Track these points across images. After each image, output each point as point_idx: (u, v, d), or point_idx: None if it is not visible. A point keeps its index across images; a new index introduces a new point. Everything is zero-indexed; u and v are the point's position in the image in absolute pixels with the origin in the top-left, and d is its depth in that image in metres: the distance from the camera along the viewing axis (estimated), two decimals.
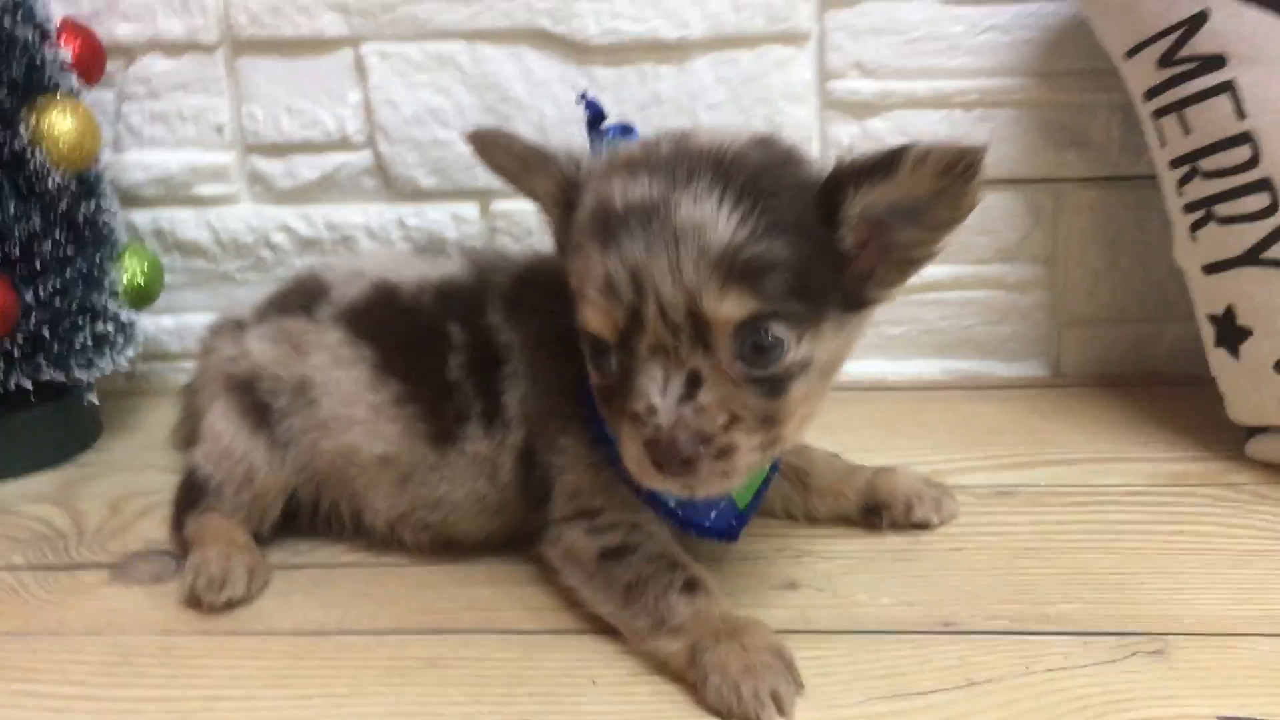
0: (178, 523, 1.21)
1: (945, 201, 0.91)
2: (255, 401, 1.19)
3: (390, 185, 1.63)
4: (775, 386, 0.91)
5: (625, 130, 1.06)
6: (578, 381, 1.04)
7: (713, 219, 0.86)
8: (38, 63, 1.35)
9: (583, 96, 1.08)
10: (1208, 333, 1.33)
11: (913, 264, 0.96)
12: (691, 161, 0.89)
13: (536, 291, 1.12)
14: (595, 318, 0.90)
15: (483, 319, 1.13)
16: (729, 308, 0.86)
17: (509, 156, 0.98)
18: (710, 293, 0.85)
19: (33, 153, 1.33)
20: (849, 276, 0.94)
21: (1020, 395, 1.61)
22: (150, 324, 1.69)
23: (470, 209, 1.63)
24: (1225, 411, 1.36)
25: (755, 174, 0.89)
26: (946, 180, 0.89)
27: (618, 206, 0.89)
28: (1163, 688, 0.91)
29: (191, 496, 1.21)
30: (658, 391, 0.87)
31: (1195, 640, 0.97)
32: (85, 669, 1.00)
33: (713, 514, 1.06)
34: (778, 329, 0.89)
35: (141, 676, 0.99)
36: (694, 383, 0.87)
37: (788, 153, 0.95)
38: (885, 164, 0.89)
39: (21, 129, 1.32)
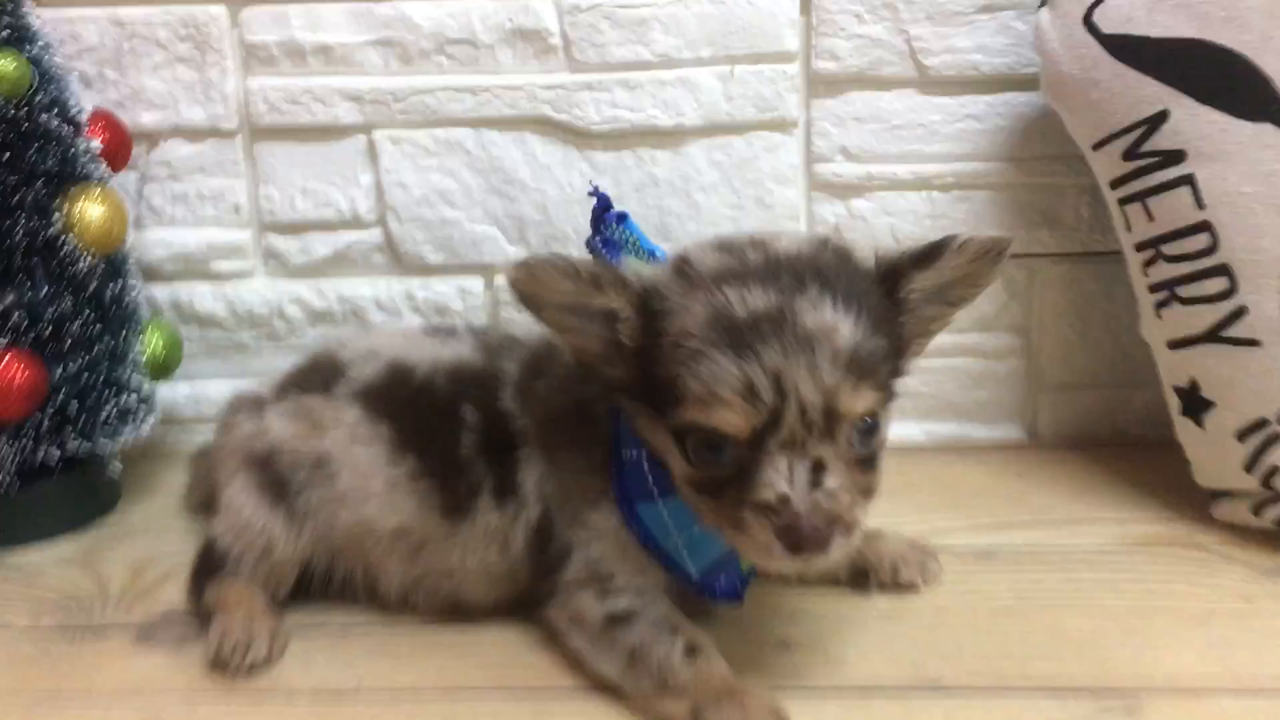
0: (196, 590, 1.24)
1: (969, 281, 1.04)
2: (274, 476, 1.23)
3: (399, 261, 1.68)
4: (872, 462, 0.98)
5: (622, 218, 1.13)
6: (609, 463, 1.11)
7: (834, 324, 0.92)
8: (70, 154, 1.40)
9: (594, 190, 1.15)
10: (1173, 403, 1.39)
11: (930, 336, 1.08)
12: (792, 270, 0.96)
13: (549, 376, 1.17)
14: (732, 419, 0.92)
15: (495, 402, 1.17)
16: (861, 402, 0.93)
17: (574, 277, 0.98)
18: (846, 391, 0.92)
19: (64, 239, 1.38)
20: (901, 361, 1.04)
21: (998, 457, 1.65)
22: (167, 391, 1.72)
23: (475, 283, 1.68)
24: (1191, 475, 1.41)
25: (846, 278, 0.97)
26: (978, 264, 1.02)
27: (741, 315, 0.92)
28: None
29: (210, 565, 1.24)
30: (785, 482, 0.92)
31: (1165, 698, 1.00)
32: None
33: (722, 578, 1.12)
34: (878, 414, 0.97)
35: None
36: (818, 469, 0.92)
37: (847, 251, 1.03)
38: (932, 253, 1.01)
39: (55, 217, 1.37)
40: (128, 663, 1.16)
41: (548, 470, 1.15)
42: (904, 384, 1.65)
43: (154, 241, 1.69)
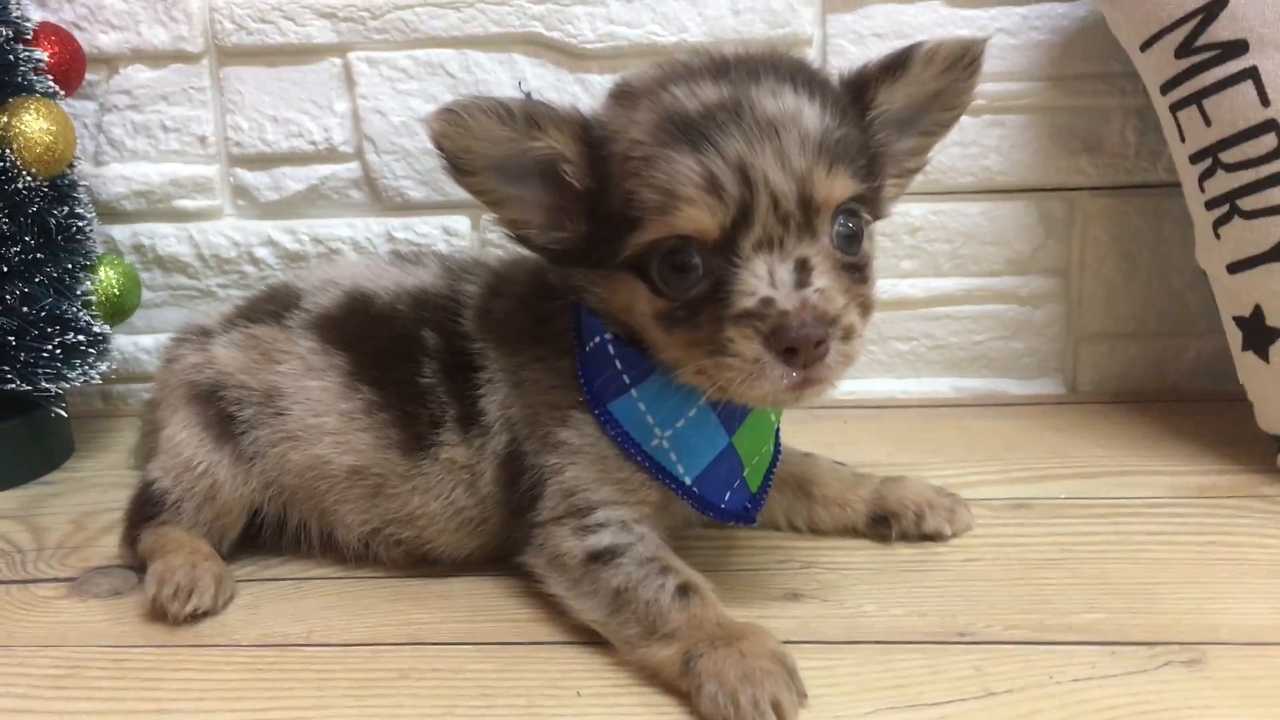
0: (131, 537, 1.14)
1: (944, 102, 0.98)
2: (220, 412, 1.13)
3: (378, 197, 1.58)
4: (862, 273, 0.92)
5: None
6: (577, 372, 1.01)
7: (797, 108, 0.86)
8: (10, 60, 1.30)
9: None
10: (1234, 336, 1.26)
11: (907, 175, 1.03)
12: (743, 65, 0.90)
13: (511, 295, 1.08)
14: (697, 218, 0.85)
15: (456, 326, 1.08)
16: (839, 188, 0.87)
17: (508, 119, 0.90)
18: (820, 174, 0.85)
19: (2, 153, 1.27)
20: (878, 189, 0.97)
21: (1035, 412, 1.54)
22: (128, 343, 1.64)
23: (461, 221, 1.58)
24: (1253, 425, 1.30)
25: (805, 71, 0.92)
26: (953, 74, 0.96)
27: (692, 110, 0.87)
28: (1201, 698, 0.84)
29: (147, 512, 1.14)
30: (766, 284, 0.85)
31: (1233, 650, 0.90)
32: (29, 681, 0.94)
33: (727, 495, 1.01)
34: (861, 214, 0.91)
35: (90, 689, 0.93)
36: (803, 269, 0.86)
37: (805, 59, 0.97)
38: (901, 61, 0.95)
39: None
40: (53, 615, 1.07)
41: (512, 393, 1.04)
42: (929, 334, 1.57)
43: (113, 177, 1.58)
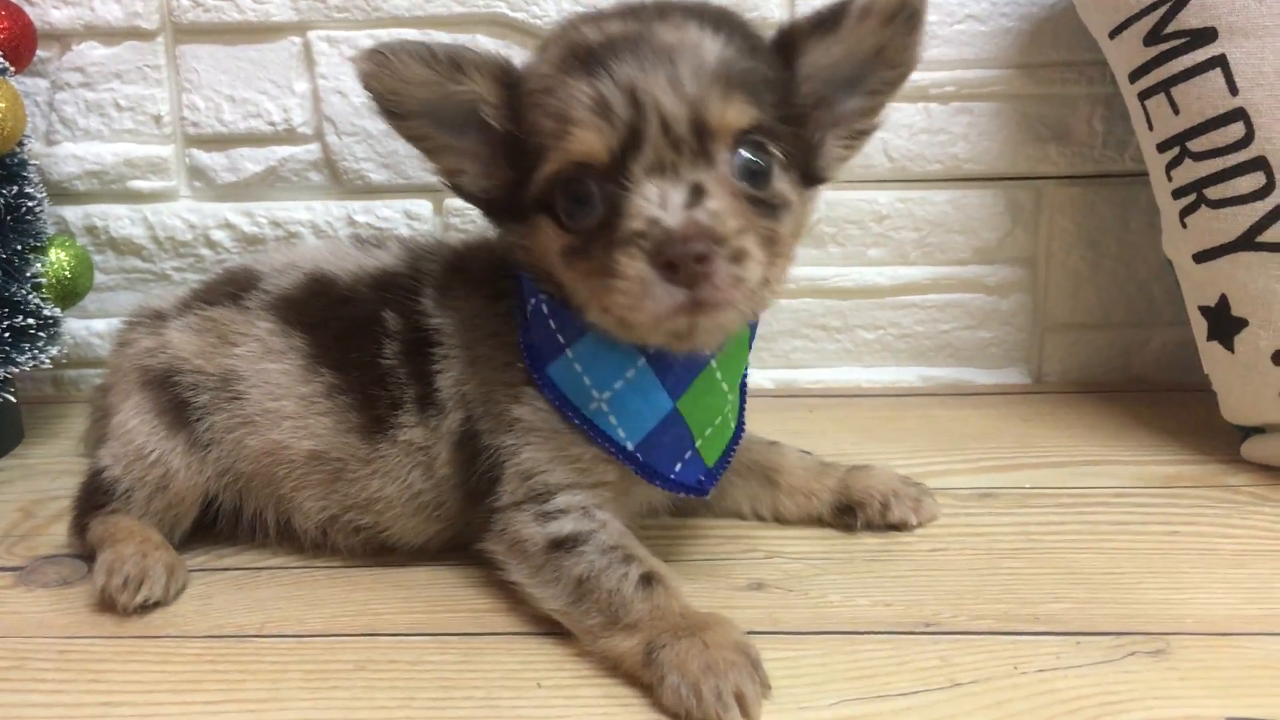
0: (80, 525, 1.11)
1: (887, 59, 0.95)
2: (174, 398, 1.10)
3: (338, 180, 1.55)
4: (770, 210, 0.89)
5: None
6: (525, 351, 1.00)
7: (699, 39, 0.87)
8: None
9: None
10: (1199, 326, 1.26)
11: (860, 136, 1.00)
12: (659, 6, 0.91)
13: (470, 273, 1.08)
14: (586, 139, 0.85)
15: (415, 305, 1.07)
16: (734, 114, 0.86)
17: (432, 61, 0.91)
18: (714, 99, 0.85)
19: None
20: (804, 143, 0.95)
21: (1001, 401, 1.54)
22: (80, 327, 1.60)
23: (423, 205, 1.55)
24: (1217, 416, 1.30)
25: (722, 13, 0.92)
26: (891, 30, 0.93)
27: (594, 41, 0.87)
28: (1165, 688, 0.84)
29: (96, 500, 1.11)
30: (656, 207, 0.83)
31: (1198, 640, 0.90)
32: None
33: (678, 466, 1.00)
34: (769, 149, 0.89)
35: (36, 680, 0.91)
36: (696, 193, 0.84)
37: (738, 14, 0.97)
38: (833, 16, 0.93)
39: None
40: (0, 605, 1.04)
41: (467, 369, 1.03)
42: (895, 323, 1.56)
43: (65, 157, 1.55)
